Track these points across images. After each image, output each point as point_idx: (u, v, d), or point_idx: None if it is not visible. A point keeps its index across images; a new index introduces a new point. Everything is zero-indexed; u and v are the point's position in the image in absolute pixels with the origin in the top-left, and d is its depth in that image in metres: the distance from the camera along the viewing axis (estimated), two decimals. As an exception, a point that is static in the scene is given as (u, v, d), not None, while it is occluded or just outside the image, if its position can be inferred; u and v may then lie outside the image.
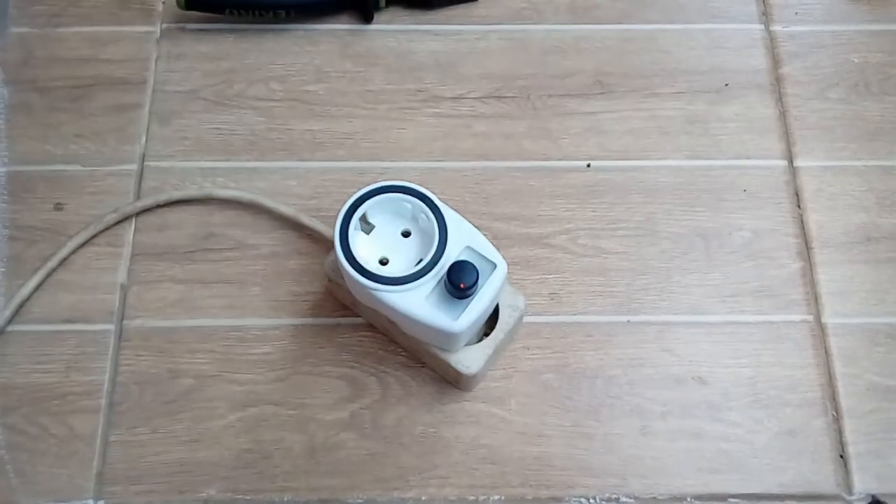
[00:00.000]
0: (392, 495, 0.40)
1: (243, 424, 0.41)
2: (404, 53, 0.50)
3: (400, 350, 0.42)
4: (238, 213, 0.46)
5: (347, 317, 0.43)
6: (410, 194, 0.37)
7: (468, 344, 0.39)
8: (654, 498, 0.40)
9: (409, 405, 0.42)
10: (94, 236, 0.45)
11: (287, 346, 0.43)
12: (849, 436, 0.41)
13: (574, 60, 0.50)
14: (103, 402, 0.41)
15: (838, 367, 0.43)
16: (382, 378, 0.42)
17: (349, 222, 0.37)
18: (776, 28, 0.51)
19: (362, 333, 0.43)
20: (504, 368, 0.42)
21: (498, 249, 0.37)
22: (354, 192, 0.37)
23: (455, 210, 0.37)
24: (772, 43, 0.51)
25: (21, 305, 0.43)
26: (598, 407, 0.42)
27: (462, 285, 0.35)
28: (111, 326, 0.43)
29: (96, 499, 0.40)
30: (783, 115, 0.49)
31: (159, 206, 0.46)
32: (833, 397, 0.42)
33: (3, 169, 0.46)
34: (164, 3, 0.51)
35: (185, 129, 0.48)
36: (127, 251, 0.45)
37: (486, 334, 0.39)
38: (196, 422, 0.41)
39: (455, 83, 0.49)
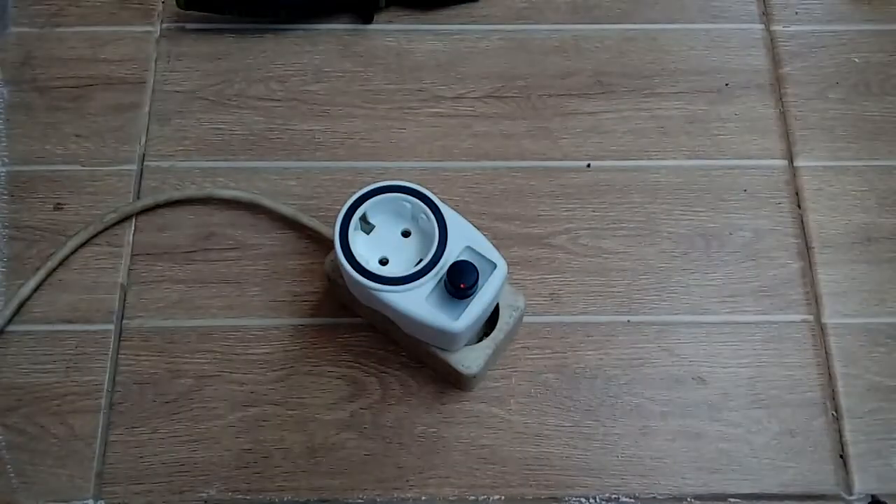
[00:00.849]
0: (392, 495, 0.40)
1: (243, 424, 0.41)
2: (404, 53, 0.50)
3: (400, 350, 0.42)
4: (238, 213, 0.46)
5: (347, 317, 0.43)
6: (410, 194, 0.37)
7: (468, 344, 0.39)
8: (654, 498, 0.40)
9: (409, 405, 0.42)
10: (93, 236, 0.45)
11: (287, 346, 0.43)
12: (849, 436, 0.41)
13: (574, 60, 0.50)
14: (103, 402, 0.41)
15: (838, 368, 0.43)
16: (382, 378, 0.42)
17: (349, 222, 0.37)
18: (777, 28, 0.51)
19: (362, 333, 0.43)
20: (504, 368, 0.42)
21: (498, 249, 0.37)
22: (354, 192, 0.37)
23: (455, 210, 0.37)
24: (772, 43, 0.51)
25: (21, 305, 0.43)
26: (597, 407, 0.42)
27: (462, 285, 0.35)
28: (111, 326, 0.43)
29: (96, 499, 0.40)
30: (784, 115, 0.49)
31: (159, 206, 0.46)
32: (833, 397, 0.42)
33: (3, 169, 0.46)
34: (163, 2, 0.51)
35: (184, 129, 0.48)
36: (127, 251, 0.45)
37: (486, 334, 0.39)
38: (196, 422, 0.41)
39: (455, 83, 0.49)
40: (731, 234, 0.46)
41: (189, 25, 0.51)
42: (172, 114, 0.48)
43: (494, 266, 0.36)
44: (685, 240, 0.45)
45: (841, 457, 0.41)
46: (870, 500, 0.40)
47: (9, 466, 0.40)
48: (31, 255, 0.44)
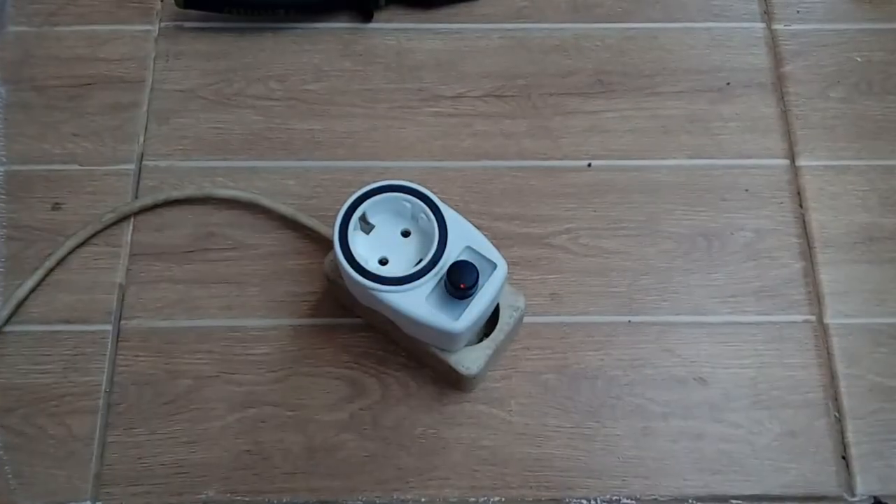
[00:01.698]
0: (392, 496, 0.40)
1: (242, 425, 0.41)
2: (404, 52, 0.50)
3: (400, 350, 0.42)
4: (237, 213, 0.46)
5: (347, 317, 0.43)
6: (410, 194, 0.37)
7: (468, 344, 0.39)
8: (655, 499, 0.40)
9: (409, 406, 0.41)
10: (92, 236, 0.44)
11: (286, 346, 0.43)
12: (851, 437, 0.41)
13: (575, 59, 0.50)
14: (101, 402, 0.41)
15: (840, 368, 0.42)
16: (382, 379, 0.42)
17: (349, 222, 0.37)
18: (778, 27, 0.51)
19: (362, 334, 0.43)
20: (504, 369, 0.42)
21: (498, 249, 0.37)
22: (354, 192, 0.37)
23: (455, 210, 0.37)
24: (773, 42, 0.50)
25: (19, 306, 0.43)
26: (598, 408, 0.42)
27: (462, 285, 0.35)
28: (109, 327, 0.43)
29: (94, 500, 0.40)
30: (785, 114, 0.48)
31: (158, 206, 0.45)
32: (835, 398, 0.42)
33: (1, 168, 0.46)
34: (162, 1, 0.51)
35: (183, 128, 0.48)
36: (125, 251, 0.44)
37: (487, 335, 0.39)
38: (194, 423, 0.41)
39: (455, 82, 0.49)
40: (732, 233, 0.45)
41: (188, 24, 0.50)
42: (171, 113, 0.48)
43: (494, 266, 0.36)
44: (686, 240, 0.45)
45: (843, 458, 0.41)
46: (872, 501, 0.40)
47: (6, 467, 0.40)
48: (29, 255, 0.44)
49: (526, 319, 0.42)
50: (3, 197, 0.46)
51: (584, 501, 0.40)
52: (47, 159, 0.47)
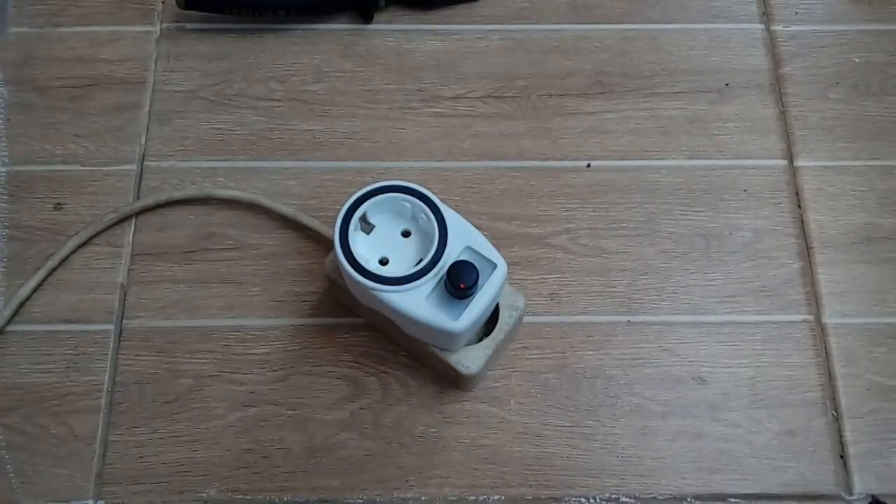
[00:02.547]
0: (392, 495, 0.40)
1: (243, 424, 0.41)
2: (404, 53, 0.50)
3: (400, 350, 0.42)
4: (238, 213, 0.46)
5: (347, 317, 0.43)
6: (410, 194, 0.37)
7: (468, 344, 0.39)
8: (654, 498, 0.40)
9: (409, 405, 0.42)
10: (93, 236, 0.45)
11: (287, 346, 0.43)
12: (849, 436, 0.41)
13: (574, 60, 0.50)
14: (103, 402, 0.41)
15: (838, 368, 0.43)
16: (382, 378, 0.42)
17: (349, 222, 0.37)
18: (777, 28, 0.51)
19: (362, 333, 0.43)
20: (504, 368, 0.42)
21: (498, 249, 0.37)
22: (354, 192, 0.37)
23: (455, 210, 0.37)
24: (772, 43, 0.51)
25: (21, 305, 0.43)
26: (598, 407, 0.42)
27: (462, 285, 0.35)
28: (111, 326, 0.43)
29: (96, 499, 0.40)
30: (784, 114, 0.49)
31: (159, 206, 0.46)
32: (833, 397, 0.42)
33: (3, 169, 0.46)
34: (163, 2, 0.51)
35: (184, 128, 0.48)
36: (127, 251, 0.45)
37: (486, 334, 0.39)
38: (196, 422, 0.41)
39: (455, 83, 0.49)
40: (731, 234, 0.45)
41: (189, 25, 0.51)
42: (172, 114, 0.48)
43: (494, 266, 0.36)
44: (685, 240, 0.45)
45: (841, 457, 0.41)
46: (870, 500, 0.40)
47: (9, 466, 0.40)
48: (31, 255, 0.44)
49: (525, 319, 0.42)
50: (5, 197, 0.46)
51: (583, 500, 0.40)
52: (49, 160, 0.47)
